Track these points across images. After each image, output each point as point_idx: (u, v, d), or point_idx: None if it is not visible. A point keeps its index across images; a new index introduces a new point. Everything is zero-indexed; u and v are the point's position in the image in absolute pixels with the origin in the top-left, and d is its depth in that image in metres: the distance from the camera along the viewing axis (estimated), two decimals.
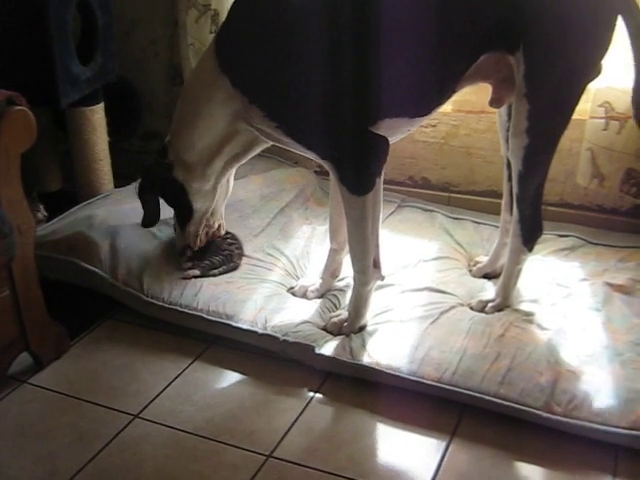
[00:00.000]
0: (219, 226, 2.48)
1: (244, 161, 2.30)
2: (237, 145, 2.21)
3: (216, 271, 2.43)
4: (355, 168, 2.05)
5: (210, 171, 2.23)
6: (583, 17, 1.94)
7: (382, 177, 2.09)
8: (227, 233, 2.53)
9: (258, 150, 2.27)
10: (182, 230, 2.39)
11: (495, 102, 2.17)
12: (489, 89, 2.17)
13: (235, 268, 2.47)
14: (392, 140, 2.08)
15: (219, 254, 2.46)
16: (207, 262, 2.44)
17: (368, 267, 2.16)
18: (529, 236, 2.19)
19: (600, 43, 2.01)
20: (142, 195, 2.35)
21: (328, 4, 1.94)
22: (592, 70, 2.04)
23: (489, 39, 1.98)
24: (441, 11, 1.94)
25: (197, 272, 2.43)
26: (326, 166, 2.11)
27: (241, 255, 2.52)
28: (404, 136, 2.18)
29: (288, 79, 1.99)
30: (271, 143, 2.20)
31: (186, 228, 2.37)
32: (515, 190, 2.14)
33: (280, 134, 2.06)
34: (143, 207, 2.37)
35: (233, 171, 2.36)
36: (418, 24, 1.95)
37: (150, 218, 2.39)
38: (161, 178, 2.26)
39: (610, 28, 1.99)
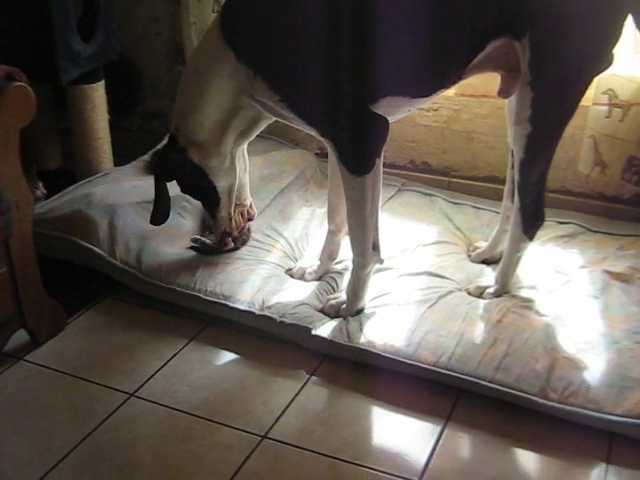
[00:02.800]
0: (250, 205, 2.46)
1: (252, 137, 2.28)
2: (243, 120, 2.18)
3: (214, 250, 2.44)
4: (355, 147, 2.04)
5: (223, 149, 2.20)
6: (593, 4, 1.92)
7: (382, 158, 2.08)
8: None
9: (263, 126, 2.25)
10: (215, 218, 2.36)
11: (503, 92, 2.15)
12: (494, 76, 2.15)
13: (234, 250, 2.45)
14: (392, 120, 2.06)
15: None
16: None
17: (367, 249, 2.15)
18: (530, 225, 2.19)
19: (610, 32, 1.97)
20: (159, 185, 2.27)
21: None
22: (601, 60, 2.01)
23: (496, 24, 1.95)
24: None
25: (207, 241, 2.43)
26: (327, 144, 2.10)
27: (244, 242, 2.50)
28: (403, 116, 2.17)
29: (292, 52, 1.98)
30: (274, 118, 2.19)
31: (217, 214, 2.34)
32: (517, 178, 2.13)
33: (283, 108, 2.05)
34: (156, 201, 2.29)
35: (245, 146, 2.34)
36: (423, 6, 1.93)
37: (161, 214, 2.32)
38: (178, 163, 2.21)
39: (621, 16, 1.96)
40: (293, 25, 1.97)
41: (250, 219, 2.48)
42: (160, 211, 2.31)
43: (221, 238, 2.39)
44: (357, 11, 1.90)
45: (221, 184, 2.27)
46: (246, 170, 2.41)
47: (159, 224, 2.34)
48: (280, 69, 2.01)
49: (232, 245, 2.41)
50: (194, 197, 2.39)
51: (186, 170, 2.23)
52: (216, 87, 2.10)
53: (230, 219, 2.37)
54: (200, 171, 2.22)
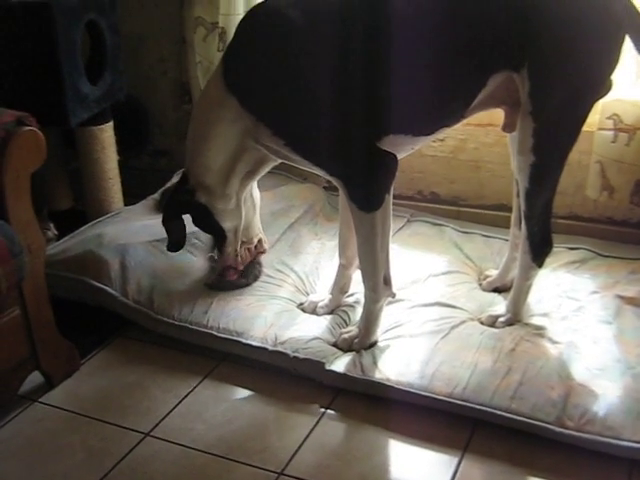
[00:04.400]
0: (260, 241, 2.48)
1: (258, 177, 2.30)
2: (248, 162, 2.20)
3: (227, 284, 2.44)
4: (364, 185, 2.05)
5: (229, 190, 2.22)
6: (589, 33, 1.93)
7: (391, 193, 2.09)
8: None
9: (269, 167, 2.27)
10: (221, 253, 2.38)
11: (508, 127, 2.15)
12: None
13: (246, 285, 2.47)
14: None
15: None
16: None
17: (379, 284, 2.15)
18: (538, 252, 2.18)
19: (607, 59, 1.99)
20: (167, 222, 2.31)
21: (333, 22, 1.95)
22: (600, 87, 2.03)
23: (495, 58, 1.97)
24: (446, 32, 1.94)
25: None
26: (335, 183, 2.11)
27: (257, 278, 2.52)
28: (407, 154, 2.18)
29: (295, 97, 1.99)
30: (280, 160, 2.21)
31: (224, 250, 2.36)
32: (523, 207, 2.13)
33: (289, 151, 2.07)
34: (167, 233, 2.34)
35: (253, 185, 2.36)
36: (423, 45, 1.94)
37: (176, 242, 2.36)
38: (185, 203, 2.25)
39: (617, 44, 1.97)
40: (295, 72, 1.98)
41: (262, 252, 2.50)
42: (174, 240, 2.35)
43: (223, 270, 2.41)
44: (361, 53, 1.92)
45: (226, 225, 2.29)
46: (255, 210, 2.42)
47: (175, 251, 2.39)
48: (283, 115, 2.02)
49: (234, 277, 2.43)
50: (204, 231, 2.42)
51: (193, 209, 2.26)
52: (220, 132, 2.12)
53: (236, 255, 2.39)
54: (207, 211, 2.25)
